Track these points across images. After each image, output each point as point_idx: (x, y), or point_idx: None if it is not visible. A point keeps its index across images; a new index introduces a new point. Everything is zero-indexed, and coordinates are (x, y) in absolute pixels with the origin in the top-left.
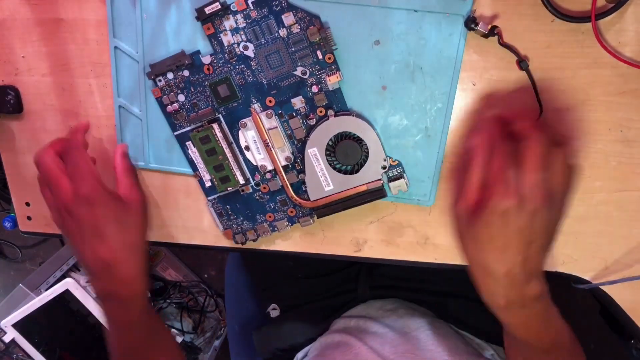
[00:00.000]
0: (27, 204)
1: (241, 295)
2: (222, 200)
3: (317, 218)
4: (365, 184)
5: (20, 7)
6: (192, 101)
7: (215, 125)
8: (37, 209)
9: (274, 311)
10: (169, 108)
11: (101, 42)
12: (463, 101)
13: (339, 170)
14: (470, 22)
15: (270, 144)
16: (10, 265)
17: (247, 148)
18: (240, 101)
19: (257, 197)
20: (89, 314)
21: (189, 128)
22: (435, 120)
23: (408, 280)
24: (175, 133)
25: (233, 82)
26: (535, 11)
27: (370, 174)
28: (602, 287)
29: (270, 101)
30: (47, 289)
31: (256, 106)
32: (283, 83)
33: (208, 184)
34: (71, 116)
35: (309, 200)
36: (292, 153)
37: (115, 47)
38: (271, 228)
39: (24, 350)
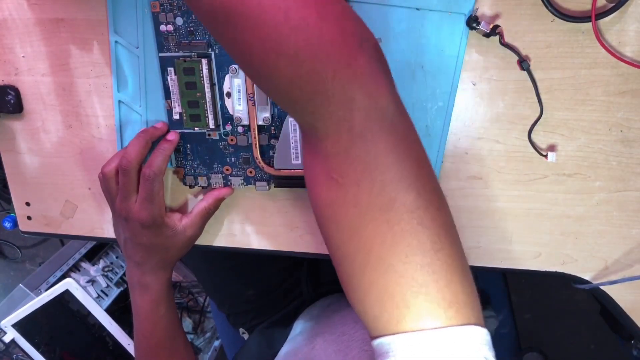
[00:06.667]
0: (27, 204)
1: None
2: (185, 137)
3: (275, 187)
4: None
5: (20, 7)
6: (189, 28)
7: (204, 61)
8: (37, 209)
9: (244, 334)
10: (163, 28)
11: (101, 41)
12: (463, 101)
13: None
14: (472, 21)
15: (254, 99)
16: (10, 265)
17: (229, 95)
18: None
19: (221, 146)
20: (89, 314)
21: (176, 54)
22: (435, 119)
23: None
24: (161, 54)
25: None
26: (535, 11)
27: None
28: (602, 287)
29: None
30: (47, 289)
31: None
32: None
33: (176, 116)
34: (71, 116)
35: (272, 167)
36: (272, 116)
37: (116, 42)
38: (225, 181)
39: (23, 351)
